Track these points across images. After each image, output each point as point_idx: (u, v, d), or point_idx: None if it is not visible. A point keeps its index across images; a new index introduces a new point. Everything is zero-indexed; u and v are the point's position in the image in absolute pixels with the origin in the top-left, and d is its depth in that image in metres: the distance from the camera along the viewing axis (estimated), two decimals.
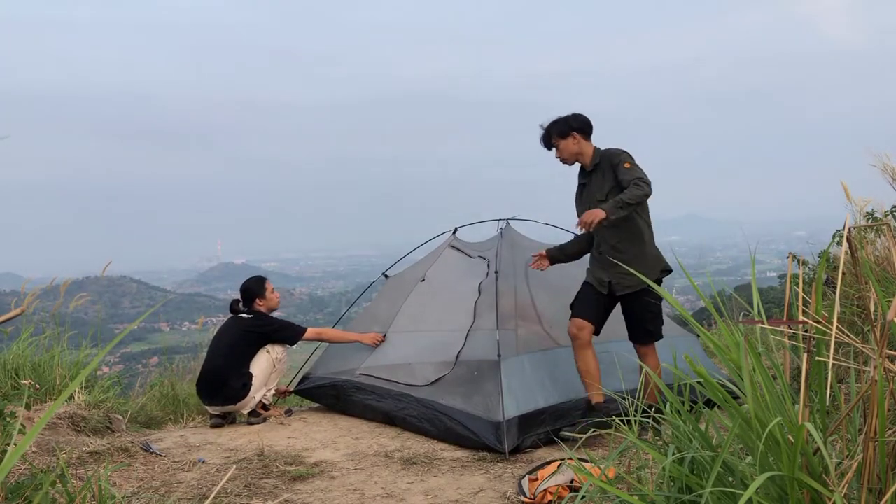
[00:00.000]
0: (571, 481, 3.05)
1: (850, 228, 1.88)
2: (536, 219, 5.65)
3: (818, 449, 1.64)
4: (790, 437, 1.63)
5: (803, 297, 1.97)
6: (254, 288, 5.24)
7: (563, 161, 4.20)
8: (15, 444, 2.35)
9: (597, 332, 4.16)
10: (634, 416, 2.39)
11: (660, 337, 4.19)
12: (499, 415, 4.04)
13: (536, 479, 3.21)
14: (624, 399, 2.73)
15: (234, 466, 3.85)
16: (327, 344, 5.55)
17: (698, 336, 4.38)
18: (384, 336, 5.19)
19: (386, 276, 5.93)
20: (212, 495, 3.29)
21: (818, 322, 1.71)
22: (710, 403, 2.10)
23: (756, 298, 2.02)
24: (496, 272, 4.87)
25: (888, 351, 1.57)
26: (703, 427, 2.06)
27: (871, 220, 4.45)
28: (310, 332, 5.26)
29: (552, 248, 4.65)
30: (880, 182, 4.56)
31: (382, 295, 5.76)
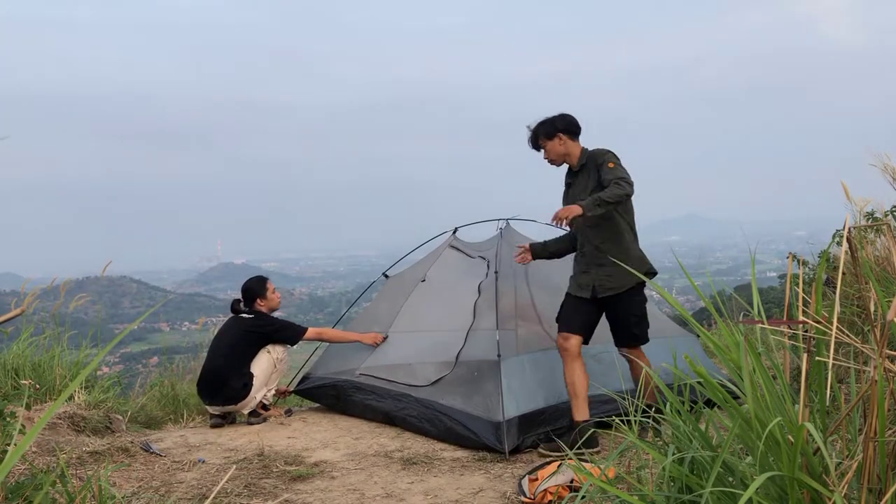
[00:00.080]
0: (571, 481, 3.05)
1: (850, 228, 1.88)
2: (536, 219, 5.66)
3: (818, 449, 1.64)
4: (790, 437, 1.63)
5: (803, 297, 1.97)
6: (255, 288, 5.24)
7: (551, 162, 4.18)
8: (15, 444, 2.35)
9: (586, 342, 4.10)
10: (634, 416, 2.39)
11: (645, 340, 4.11)
12: (499, 415, 4.05)
13: (536, 479, 3.21)
14: (624, 399, 2.73)
15: (234, 466, 3.85)
16: (327, 344, 5.55)
17: (698, 336, 4.38)
18: (384, 336, 5.19)
19: (386, 276, 5.93)
20: (212, 495, 3.29)
21: (818, 322, 1.71)
22: (710, 403, 2.10)
23: (756, 298, 2.02)
24: (496, 272, 4.87)
25: (888, 351, 1.58)
26: (703, 427, 2.06)
27: (871, 220, 4.45)
28: (310, 331, 5.26)
29: (536, 242, 4.63)
30: (880, 182, 4.56)
31: (382, 295, 5.76)
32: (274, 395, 5.25)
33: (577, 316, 4.08)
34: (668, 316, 5.73)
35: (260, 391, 5.01)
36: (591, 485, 2.03)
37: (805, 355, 1.75)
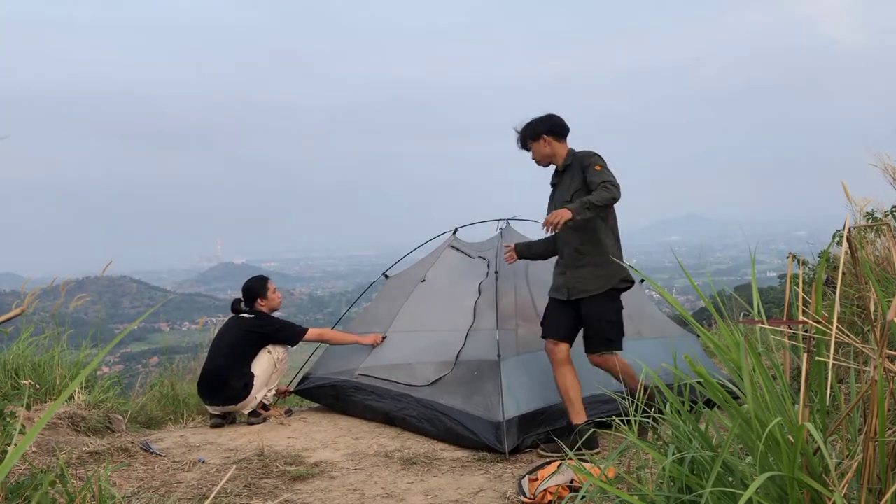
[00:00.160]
0: (571, 481, 3.05)
1: (850, 228, 1.88)
2: (537, 219, 5.66)
3: (818, 449, 1.64)
4: (790, 437, 1.63)
5: (803, 297, 1.97)
6: (256, 288, 5.24)
7: (538, 163, 4.17)
8: (15, 444, 2.35)
9: (571, 344, 4.06)
10: (634, 416, 2.39)
11: (619, 347, 4.00)
12: (499, 415, 4.05)
13: (536, 479, 3.21)
14: (623, 399, 2.73)
15: (234, 466, 3.85)
16: (327, 344, 5.55)
17: (698, 336, 4.38)
18: (384, 337, 5.19)
19: (386, 277, 5.93)
20: (212, 495, 3.29)
21: (818, 322, 1.71)
22: (710, 403, 2.10)
23: (756, 298, 2.02)
24: (496, 272, 4.87)
25: (888, 351, 1.57)
26: (703, 427, 2.06)
27: (871, 220, 4.45)
28: (311, 332, 5.26)
29: (521, 242, 4.63)
30: (880, 182, 4.56)
31: (382, 295, 5.76)
32: (274, 395, 5.25)
33: (560, 321, 4.06)
34: (668, 316, 5.74)
35: (260, 391, 5.01)
36: (591, 485, 2.03)
37: (805, 355, 1.75)
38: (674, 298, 2.37)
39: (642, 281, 5.54)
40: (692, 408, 2.16)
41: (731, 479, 1.87)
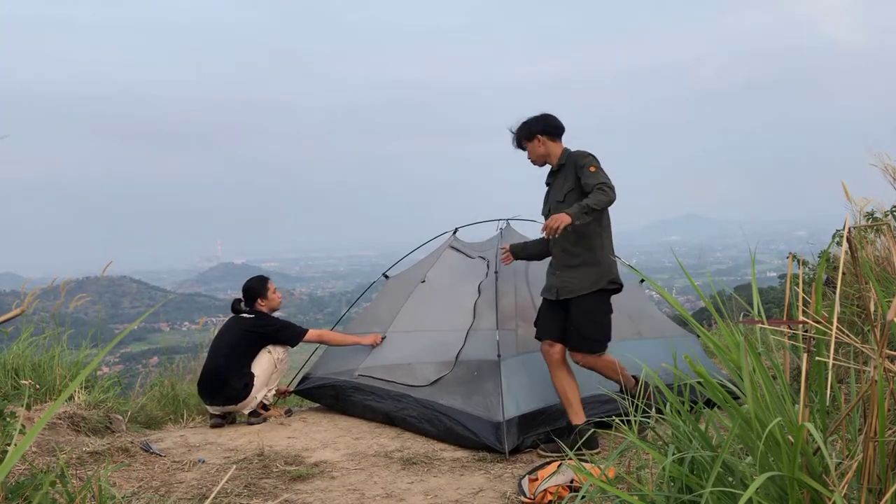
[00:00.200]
0: (571, 481, 3.05)
1: (850, 228, 1.88)
2: (536, 219, 5.66)
3: (818, 449, 1.64)
4: (790, 437, 1.63)
5: (803, 297, 1.97)
6: (256, 287, 5.24)
7: (533, 163, 4.17)
8: (15, 444, 2.35)
9: (566, 344, 4.05)
10: (634, 416, 2.39)
11: (600, 349, 3.96)
12: (499, 415, 4.05)
13: (536, 479, 3.21)
14: (623, 399, 2.73)
15: (234, 466, 3.85)
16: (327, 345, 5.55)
17: (698, 336, 4.38)
18: (383, 337, 5.19)
19: (386, 277, 5.93)
20: (212, 495, 3.29)
21: (818, 322, 1.71)
22: (710, 403, 2.10)
23: (756, 298, 2.02)
24: (496, 272, 4.87)
25: (888, 351, 1.57)
26: (703, 427, 2.06)
27: (871, 220, 4.45)
28: (311, 333, 5.25)
29: (516, 243, 4.64)
30: (880, 182, 4.56)
31: (382, 295, 5.76)
32: (274, 395, 5.25)
33: (552, 322, 4.06)
34: (668, 316, 5.74)
35: (260, 391, 5.01)
36: (591, 485, 2.03)
37: (805, 355, 1.75)
38: (674, 298, 2.37)
39: (642, 281, 5.55)
40: (692, 408, 2.16)
41: (731, 479, 1.87)
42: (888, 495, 1.53)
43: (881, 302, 1.65)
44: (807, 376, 1.74)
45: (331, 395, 5.17)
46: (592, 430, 3.87)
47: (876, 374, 1.54)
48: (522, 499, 3.15)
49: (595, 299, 3.95)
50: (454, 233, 5.73)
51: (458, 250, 5.55)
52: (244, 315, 5.19)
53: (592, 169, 3.84)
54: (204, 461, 3.97)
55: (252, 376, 4.97)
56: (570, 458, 2.48)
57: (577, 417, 3.95)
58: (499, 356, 4.30)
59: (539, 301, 4.95)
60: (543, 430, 4.08)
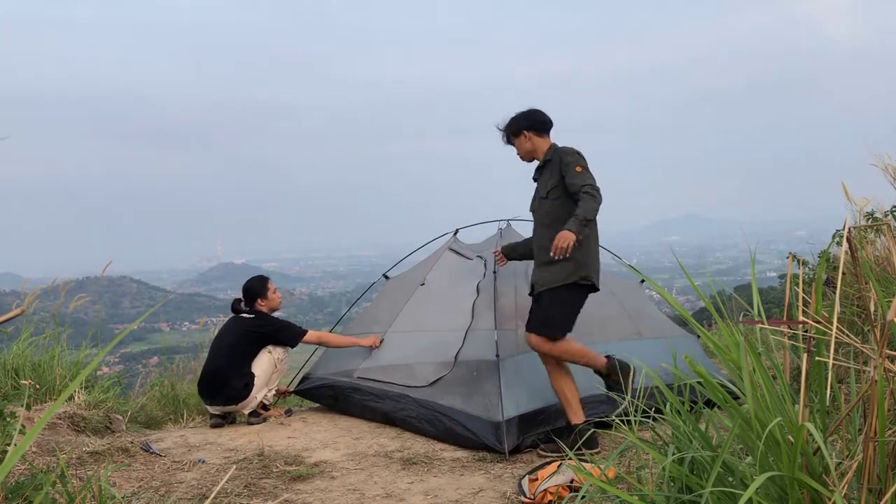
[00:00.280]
0: (571, 481, 3.05)
1: (850, 228, 1.88)
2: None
3: (818, 449, 1.64)
4: (790, 437, 1.63)
5: (803, 297, 1.97)
6: (256, 287, 5.24)
7: (522, 159, 4.18)
8: (15, 444, 2.35)
9: None
10: (634, 416, 2.39)
11: (558, 335, 3.88)
12: (498, 415, 4.05)
13: (536, 479, 3.21)
14: (623, 399, 2.73)
15: (234, 466, 3.85)
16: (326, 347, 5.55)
17: (698, 336, 4.38)
18: (382, 338, 5.19)
19: (386, 277, 5.93)
20: (212, 495, 3.29)
21: (818, 322, 1.71)
22: (710, 403, 2.10)
23: (756, 298, 2.02)
24: (494, 272, 4.87)
25: (888, 351, 1.58)
26: (703, 427, 2.07)
27: (871, 220, 4.45)
28: (310, 334, 5.25)
29: (507, 245, 4.65)
30: (880, 182, 4.56)
31: (382, 296, 5.76)
32: (274, 395, 5.25)
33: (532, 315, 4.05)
34: (668, 316, 5.74)
35: (261, 391, 5.01)
36: (591, 485, 2.03)
37: (805, 355, 1.75)
38: (674, 298, 2.37)
39: (642, 281, 5.55)
40: (692, 408, 2.16)
41: (731, 479, 1.87)
42: (888, 495, 1.53)
43: (881, 302, 1.65)
44: (807, 376, 1.74)
45: (330, 396, 5.17)
46: (592, 429, 3.86)
47: (876, 374, 1.54)
48: (522, 499, 3.15)
49: (566, 291, 3.90)
50: (455, 234, 5.73)
51: (456, 252, 5.55)
52: (244, 315, 5.19)
53: (578, 169, 3.81)
54: (204, 461, 3.97)
55: (252, 376, 4.97)
56: (570, 458, 2.48)
57: (577, 417, 3.95)
58: (497, 356, 4.30)
59: None
60: (543, 430, 4.08)
